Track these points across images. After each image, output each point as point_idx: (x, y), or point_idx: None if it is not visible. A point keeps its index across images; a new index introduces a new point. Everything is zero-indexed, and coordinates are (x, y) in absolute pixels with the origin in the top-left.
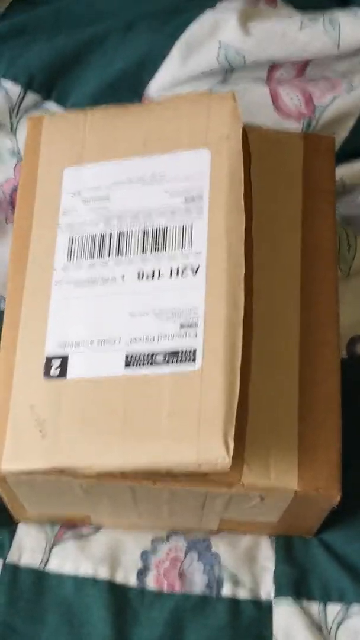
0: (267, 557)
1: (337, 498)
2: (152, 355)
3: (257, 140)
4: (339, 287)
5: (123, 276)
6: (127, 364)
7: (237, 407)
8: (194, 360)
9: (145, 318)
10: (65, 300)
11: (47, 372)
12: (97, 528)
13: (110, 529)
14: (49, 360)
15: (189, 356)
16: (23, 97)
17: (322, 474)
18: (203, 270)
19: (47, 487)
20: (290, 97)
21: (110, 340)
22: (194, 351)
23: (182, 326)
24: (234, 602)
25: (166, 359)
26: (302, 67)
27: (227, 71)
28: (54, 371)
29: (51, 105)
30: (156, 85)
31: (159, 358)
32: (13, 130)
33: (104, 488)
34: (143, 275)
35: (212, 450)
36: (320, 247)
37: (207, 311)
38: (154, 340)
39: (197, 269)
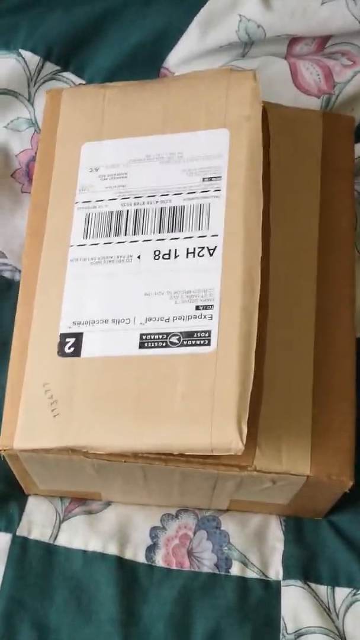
0: (276, 537)
1: (349, 484)
2: (167, 335)
3: (276, 118)
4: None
5: (139, 255)
6: (142, 344)
7: (252, 391)
8: (208, 342)
9: (160, 298)
10: (81, 277)
11: (61, 350)
12: (107, 503)
13: (120, 504)
14: (63, 338)
15: (204, 338)
16: (41, 68)
17: (335, 459)
18: (220, 251)
19: (59, 465)
20: (310, 72)
21: (124, 320)
22: (209, 333)
23: (197, 308)
24: (243, 582)
25: (181, 340)
26: (322, 41)
27: (247, 45)
28: (68, 349)
29: (69, 76)
30: (174, 59)
31: (174, 339)
32: (30, 101)
33: (116, 467)
34: (159, 255)
35: (226, 434)
36: (338, 227)
37: (223, 293)
38: (168, 320)
39: (214, 250)
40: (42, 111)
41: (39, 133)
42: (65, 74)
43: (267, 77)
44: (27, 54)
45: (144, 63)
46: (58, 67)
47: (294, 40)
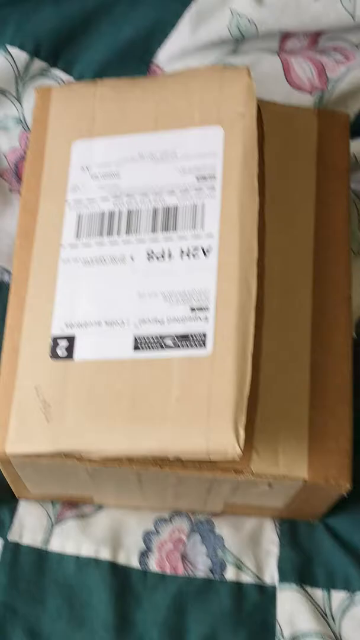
0: (271, 541)
1: (347, 488)
2: (162, 338)
3: (270, 116)
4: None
5: (132, 256)
6: (136, 347)
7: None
8: (204, 345)
9: (154, 300)
10: (73, 279)
11: (53, 353)
12: (99, 507)
13: (113, 508)
14: (55, 341)
15: (200, 341)
16: (29, 64)
17: (332, 463)
18: (215, 251)
19: (51, 470)
20: (303, 69)
21: (118, 322)
22: (205, 335)
23: (192, 309)
24: (238, 587)
25: (176, 342)
26: (314, 37)
27: (238, 41)
28: (61, 352)
29: (58, 73)
30: (165, 55)
31: (169, 341)
32: (19, 98)
33: (109, 471)
34: (153, 256)
35: (222, 438)
36: (334, 227)
37: (219, 294)
38: (163, 323)
39: (209, 250)
40: (31, 109)
41: (28, 132)
42: (53, 70)
43: (259, 73)
44: (14, 50)
45: (134, 59)
46: (46, 64)
47: (286, 36)
